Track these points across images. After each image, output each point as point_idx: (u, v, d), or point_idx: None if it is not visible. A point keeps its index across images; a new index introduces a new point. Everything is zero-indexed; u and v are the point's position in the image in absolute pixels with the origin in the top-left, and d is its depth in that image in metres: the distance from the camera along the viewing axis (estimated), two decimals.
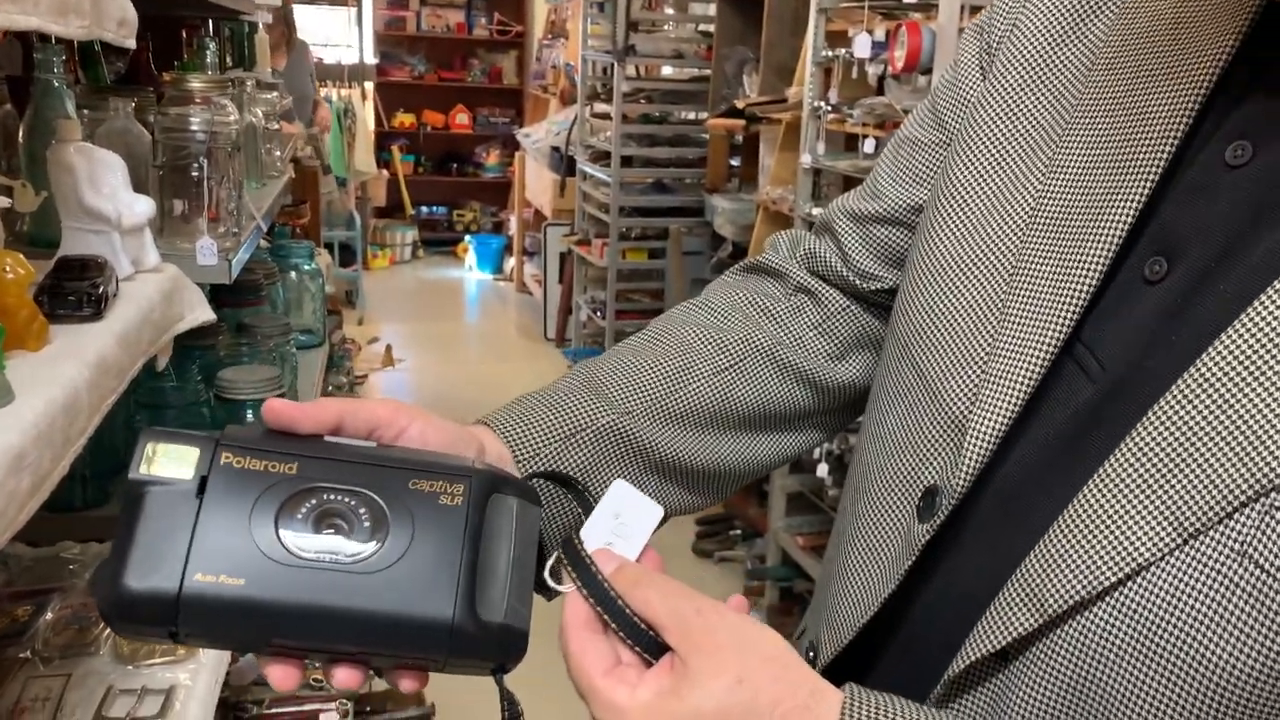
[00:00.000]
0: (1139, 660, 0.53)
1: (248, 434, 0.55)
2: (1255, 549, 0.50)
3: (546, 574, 0.57)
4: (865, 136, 2.61)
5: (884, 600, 0.67)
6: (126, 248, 1.20)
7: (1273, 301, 0.52)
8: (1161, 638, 0.52)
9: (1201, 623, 0.51)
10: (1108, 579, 0.53)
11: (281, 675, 0.54)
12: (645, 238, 5.04)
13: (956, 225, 0.71)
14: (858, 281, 0.83)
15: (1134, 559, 0.53)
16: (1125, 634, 0.53)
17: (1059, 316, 0.62)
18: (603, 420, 0.73)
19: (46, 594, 1.24)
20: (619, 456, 0.73)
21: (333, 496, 0.53)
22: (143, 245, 1.24)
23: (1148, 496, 0.54)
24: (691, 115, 5.03)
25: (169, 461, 0.52)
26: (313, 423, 0.57)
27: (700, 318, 0.82)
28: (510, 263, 7.67)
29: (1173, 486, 0.53)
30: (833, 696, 0.54)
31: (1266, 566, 0.49)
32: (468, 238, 8.07)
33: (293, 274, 2.38)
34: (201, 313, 1.32)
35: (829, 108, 2.75)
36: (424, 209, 8.30)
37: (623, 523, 0.60)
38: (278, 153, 2.29)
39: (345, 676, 0.55)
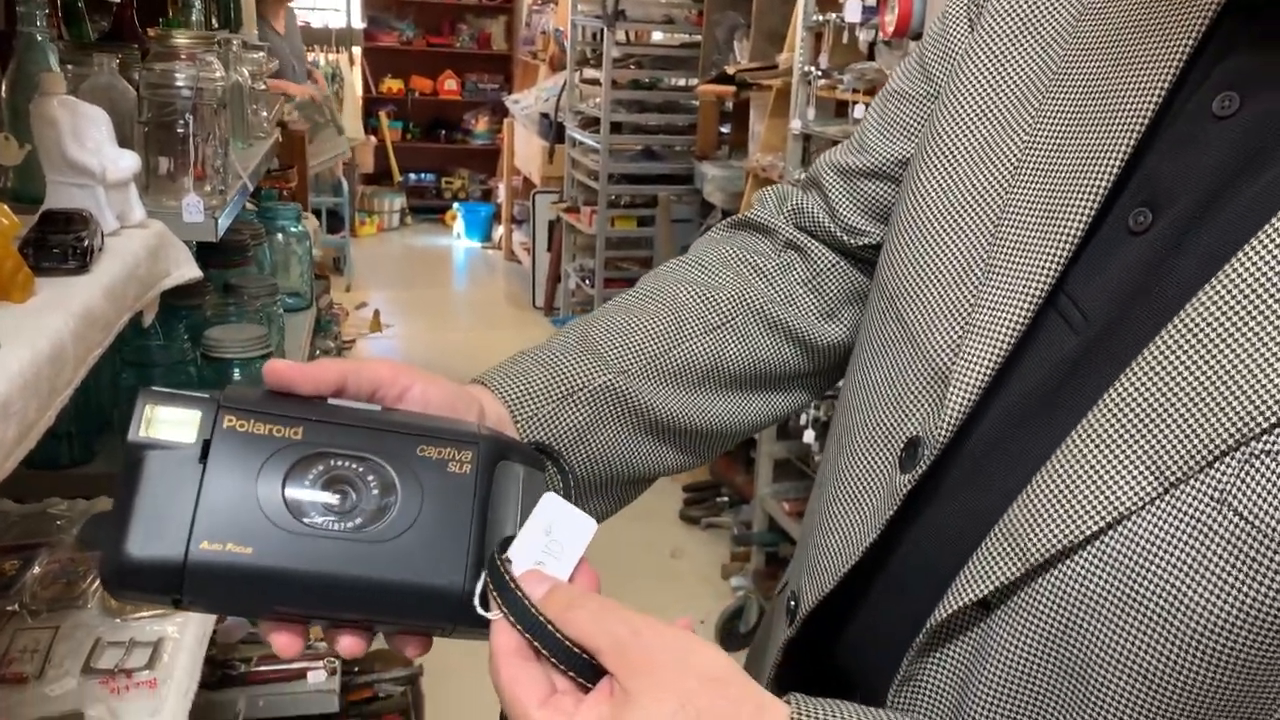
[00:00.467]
0: (1119, 608, 0.53)
1: (248, 395, 0.53)
2: (1235, 497, 0.50)
3: (475, 601, 0.53)
4: (855, 102, 2.60)
5: (865, 550, 0.67)
6: (111, 203, 1.20)
7: (1254, 253, 0.53)
8: (1142, 586, 0.53)
9: (1181, 571, 0.51)
10: (1089, 528, 0.54)
11: (285, 642, 0.54)
12: (634, 205, 5.02)
13: (942, 177, 0.71)
14: (845, 237, 0.83)
15: (1115, 508, 0.53)
16: (1106, 582, 0.54)
17: (1043, 268, 0.62)
18: (599, 380, 0.73)
19: (33, 549, 1.25)
20: (615, 416, 0.74)
21: (340, 463, 0.52)
22: (128, 200, 1.24)
23: (1129, 446, 0.54)
24: (681, 82, 5.01)
25: (169, 424, 0.50)
26: (314, 384, 0.55)
27: (691, 275, 0.82)
28: (499, 230, 7.65)
29: (1154, 436, 0.53)
30: (778, 709, 0.53)
31: (1245, 514, 0.50)
32: (456, 205, 8.04)
33: (279, 236, 2.37)
34: (188, 269, 1.31)
35: (819, 73, 2.74)
36: (412, 176, 8.26)
37: (554, 539, 0.56)
38: (264, 114, 2.28)
39: (350, 643, 0.55)
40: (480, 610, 0.52)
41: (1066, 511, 0.55)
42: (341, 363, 0.58)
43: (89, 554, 1.25)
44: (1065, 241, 0.62)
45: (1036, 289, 0.62)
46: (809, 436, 2.83)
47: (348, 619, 0.53)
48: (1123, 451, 0.54)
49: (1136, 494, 0.53)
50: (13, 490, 1.41)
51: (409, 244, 7.66)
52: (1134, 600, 0.53)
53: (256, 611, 0.53)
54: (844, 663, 0.73)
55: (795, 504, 3.06)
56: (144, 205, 1.26)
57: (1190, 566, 0.51)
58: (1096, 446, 0.55)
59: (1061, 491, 0.56)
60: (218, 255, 1.87)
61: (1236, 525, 0.50)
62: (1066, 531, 0.55)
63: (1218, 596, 0.51)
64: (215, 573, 0.49)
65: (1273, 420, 0.50)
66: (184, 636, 1.13)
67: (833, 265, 0.84)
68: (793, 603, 0.74)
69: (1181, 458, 0.52)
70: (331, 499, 0.51)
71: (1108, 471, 0.54)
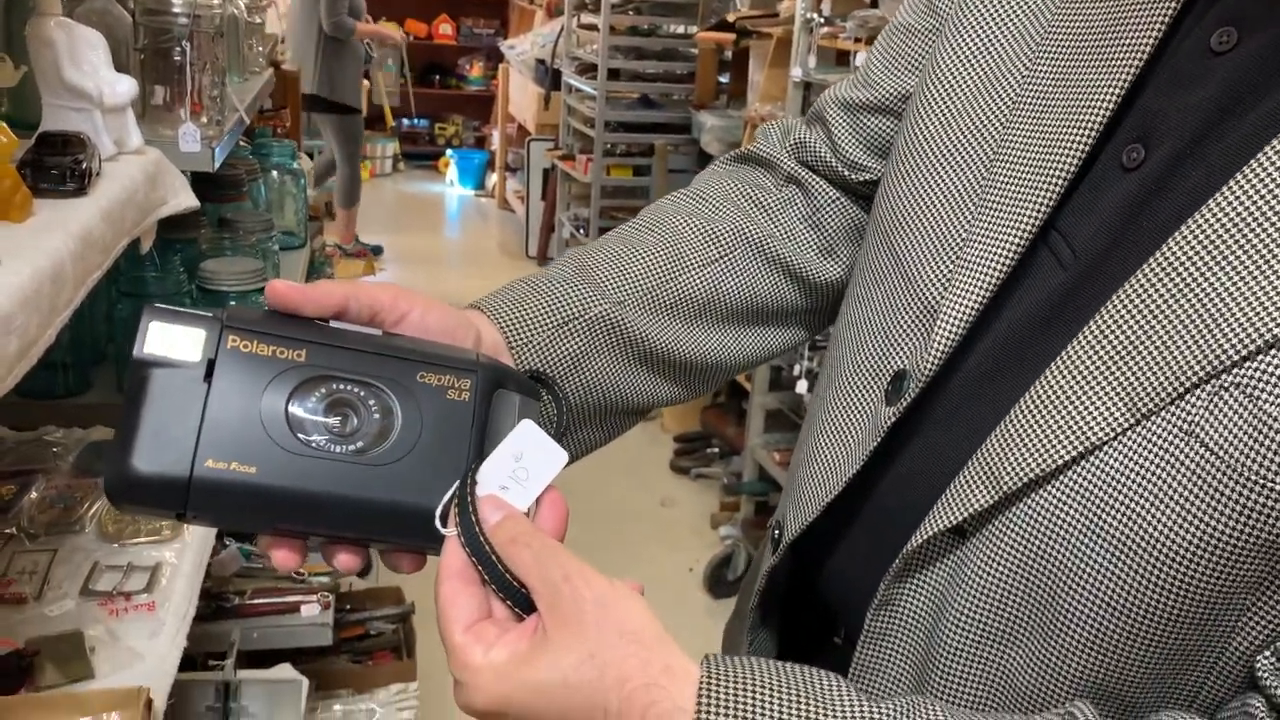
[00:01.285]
0: (1087, 538, 0.55)
1: (251, 315, 0.53)
2: (1202, 429, 0.51)
3: (437, 517, 0.54)
4: (857, 51, 2.58)
5: (848, 480, 0.68)
6: (109, 127, 1.19)
7: (1233, 192, 0.53)
8: (1108, 515, 0.54)
9: (1146, 500, 0.53)
10: (1061, 457, 0.55)
11: (284, 556, 0.55)
12: (630, 154, 4.99)
13: (941, 111, 0.71)
14: (846, 173, 0.83)
15: (1088, 438, 0.55)
16: (1075, 512, 0.55)
17: (1035, 203, 0.62)
18: (595, 310, 0.73)
19: (30, 474, 1.25)
20: (610, 346, 0.73)
21: (342, 386, 0.53)
22: (125, 126, 1.22)
23: (1105, 378, 0.55)
24: (681, 29, 4.95)
25: (174, 342, 0.51)
26: (316, 306, 0.56)
27: (692, 207, 0.81)
28: (492, 178, 7.59)
29: (1129, 368, 0.54)
30: (688, 671, 0.51)
31: (1211, 446, 0.51)
32: (449, 152, 7.97)
33: (274, 174, 2.35)
34: (185, 198, 1.30)
35: (822, 20, 2.72)
36: (405, 121, 8.18)
37: (523, 466, 0.56)
38: (259, 48, 2.25)
39: (347, 560, 0.56)
40: (439, 526, 0.53)
41: (1040, 442, 0.56)
42: (343, 285, 0.58)
43: (87, 480, 1.25)
44: (1058, 177, 0.62)
45: (1028, 224, 0.62)
46: (801, 387, 2.84)
47: (346, 538, 0.54)
48: (1098, 383, 0.55)
49: (1109, 425, 0.54)
50: (9, 419, 1.41)
51: (401, 190, 7.60)
52: (1100, 530, 0.54)
53: (257, 528, 0.54)
54: (826, 591, 0.74)
55: (786, 454, 3.07)
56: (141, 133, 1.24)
57: (1156, 496, 0.53)
58: (1073, 378, 0.56)
59: (1036, 422, 0.57)
60: (213, 189, 1.85)
61: (1202, 457, 0.51)
62: (1039, 461, 0.56)
63: (1179, 525, 0.52)
64: (219, 490, 0.50)
65: (1243, 353, 0.51)
66: (181, 562, 1.13)
67: (833, 201, 0.84)
68: (777, 531, 0.75)
69: (1154, 390, 0.53)
70: (333, 421, 0.52)
71: (1082, 403, 0.55)
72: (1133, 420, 0.54)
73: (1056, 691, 0.59)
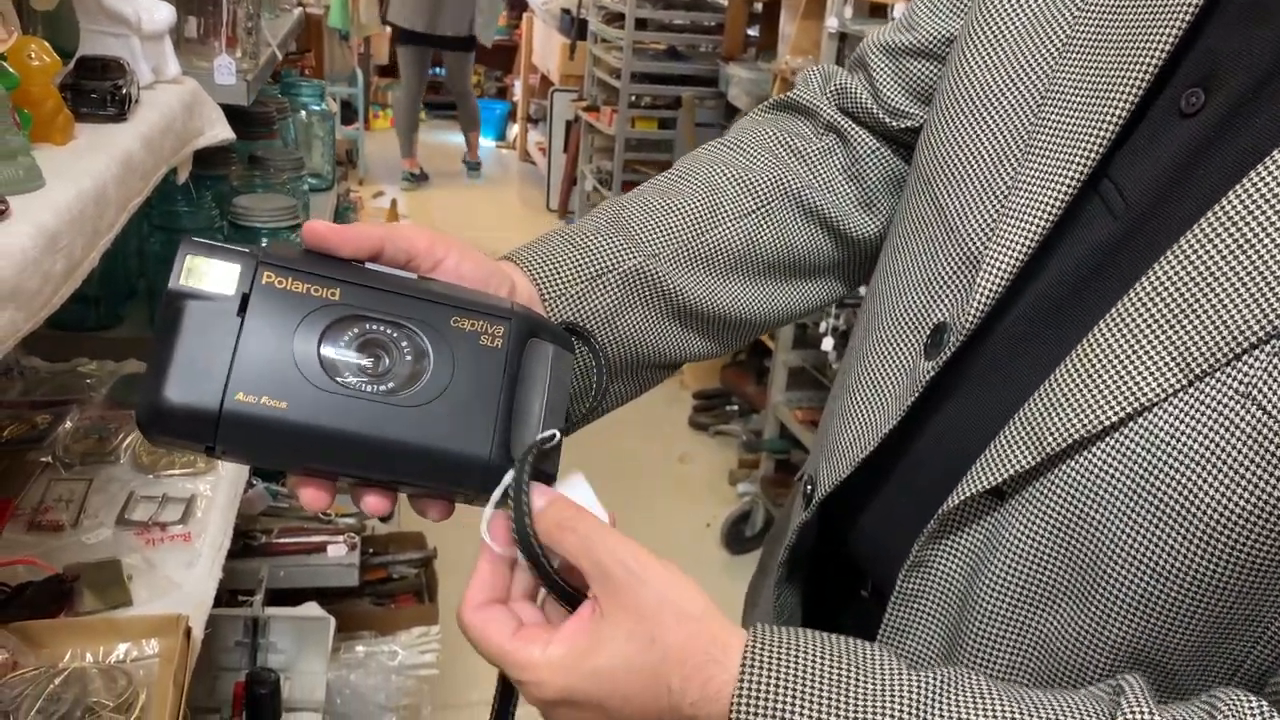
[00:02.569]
0: (1132, 502, 0.53)
1: (287, 253, 0.53)
2: (1260, 391, 0.49)
3: (484, 525, 0.54)
4: (895, 3, 2.53)
5: (884, 436, 0.66)
6: (147, 54, 1.17)
7: None
8: (1157, 479, 0.52)
9: (1198, 464, 0.51)
10: (1109, 418, 0.53)
11: (312, 496, 0.54)
12: (655, 107, 4.94)
13: (987, 53, 0.67)
14: (888, 120, 0.80)
15: (1137, 399, 0.52)
16: (1120, 475, 0.53)
17: (1084, 150, 0.59)
18: (629, 263, 0.71)
19: (64, 404, 1.24)
20: (643, 300, 0.72)
21: (376, 326, 0.52)
22: (163, 54, 1.21)
23: (1157, 337, 0.53)
24: None
25: (209, 275, 0.50)
26: (352, 246, 0.55)
27: (728, 156, 0.79)
28: (514, 129, 7.54)
29: (1183, 327, 0.52)
30: (736, 640, 0.52)
31: (1269, 409, 0.49)
32: None
33: (303, 114, 2.33)
34: (222, 130, 1.29)
35: None
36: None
37: None
38: None
39: (375, 502, 0.55)
40: (485, 534, 0.54)
41: (1087, 402, 0.54)
42: (380, 227, 0.57)
43: (121, 411, 1.25)
44: (1110, 122, 0.58)
45: (1076, 171, 0.59)
46: (827, 344, 2.82)
47: (375, 479, 0.54)
48: (1149, 342, 0.53)
49: (1160, 386, 0.52)
50: (42, 350, 1.40)
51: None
52: (1148, 494, 0.52)
53: (287, 465, 0.53)
54: (857, 549, 0.73)
55: (808, 412, 3.06)
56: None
57: (1209, 461, 0.50)
58: (1123, 336, 0.54)
59: (1084, 381, 0.54)
60: (244, 126, 1.83)
61: (1259, 419, 0.49)
62: (1085, 422, 0.54)
63: (1234, 491, 0.50)
64: (249, 425, 0.49)
65: None
66: (216, 495, 1.13)
67: (873, 151, 0.81)
68: (809, 487, 0.74)
69: (1209, 350, 0.51)
70: (366, 361, 0.52)
71: (1132, 362, 0.53)
72: (1185, 381, 0.51)
73: (1093, 658, 0.57)
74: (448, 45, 6.07)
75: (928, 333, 0.65)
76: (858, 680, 0.51)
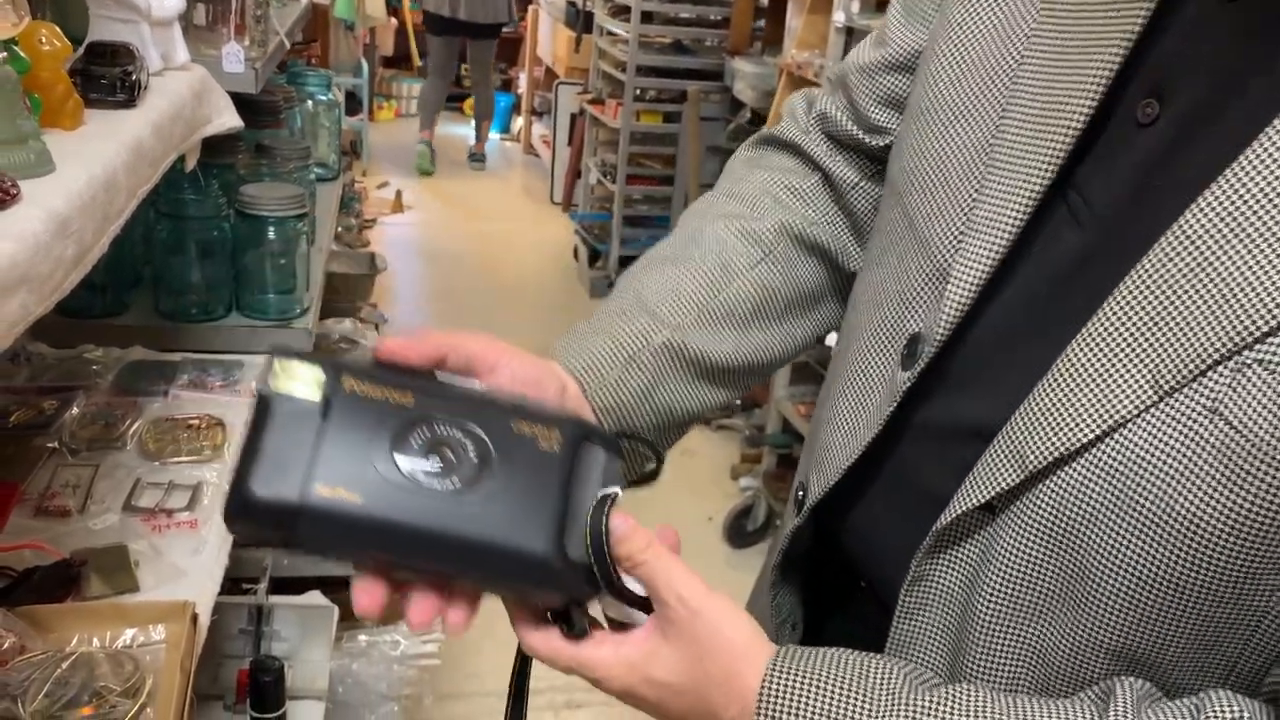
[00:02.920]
0: (1115, 514, 0.54)
1: (364, 363, 0.59)
2: (1225, 406, 0.51)
3: (551, 548, 0.58)
4: None
5: (867, 445, 0.68)
6: (156, 41, 1.17)
7: (1257, 155, 0.51)
8: (1135, 492, 0.53)
9: (1173, 478, 0.52)
10: (1087, 435, 0.55)
11: (368, 600, 0.55)
12: (661, 100, 4.92)
13: (950, 65, 0.68)
14: (868, 139, 0.81)
15: (1113, 415, 0.54)
16: (1102, 489, 0.55)
17: (1043, 162, 0.60)
18: (657, 340, 0.75)
19: (71, 390, 1.25)
20: (674, 371, 0.76)
21: (444, 429, 0.56)
22: (172, 41, 1.21)
23: (1129, 354, 0.54)
24: None
25: (296, 380, 0.55)
26: (421, 356, 0.61)
27: (730, 208, 0.82)
28: (518, 122, 7.53)
29: (1152, 344, 0.53)
30: (761, 655, 0.59)
31: (1234, 423, 0.50)
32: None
33: (309, 104, 2.32)
34: (230, 118, 1.29)
35: None
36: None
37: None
38: None
39: (455, 618, 0.57)
40: (557, 553, 0.58)
41: (1064, 420, 0.56)
42: (442, 336, 0.63)
43: (127, 398, 1.25)
44: (1066, 133, 0.60)
45: (1037, 183, 0.60)
46: (831, 339, 2.81)
47: (439, 570, 0.57)
48: (1123, 359, 0.54)
49: (1133, 402, 0.53)
50: (48, 336, 1.41)
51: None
52: (1128, 506, 0.54)
53: (358, 557, 0.56)
54: (851, 552, 0.75)
55: (811, 407, 3.06)
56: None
57: (1181, 474, 0.52)
58: (1097, 354, 0.55)
59: (1062, 399, 0.56)
60: (251, 115, 1.82)
61: (1226, 434, 0.50)
62: (1064, 440, 0.55)
63: (1206, 503, 0.51)
64: (328, 517, 0.53)
65: (1265, 329, 0.50)
66: (222, 482, 1.13)
67: (854, 185, 0.83)
68: (801, 493, 0.76)
69: (1177, 366, 0.52)
70: (435, 460, 0.56)
71: (1107, 379, 0.54)
72: (1156, 397, 0.53)
73: (1090, 663, 0.59)
74: (476, 32, 6.24)
75: (903, 343, 0.67)
76: (863, 699, 0.57)
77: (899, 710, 0.55)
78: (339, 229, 3.04)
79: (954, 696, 0.56)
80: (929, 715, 0.55)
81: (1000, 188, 0.62)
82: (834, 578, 0.78)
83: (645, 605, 0.59)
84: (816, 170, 0.83)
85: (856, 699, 0.56)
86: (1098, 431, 0.54)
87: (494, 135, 7.59)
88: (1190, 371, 0.52)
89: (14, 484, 1.04)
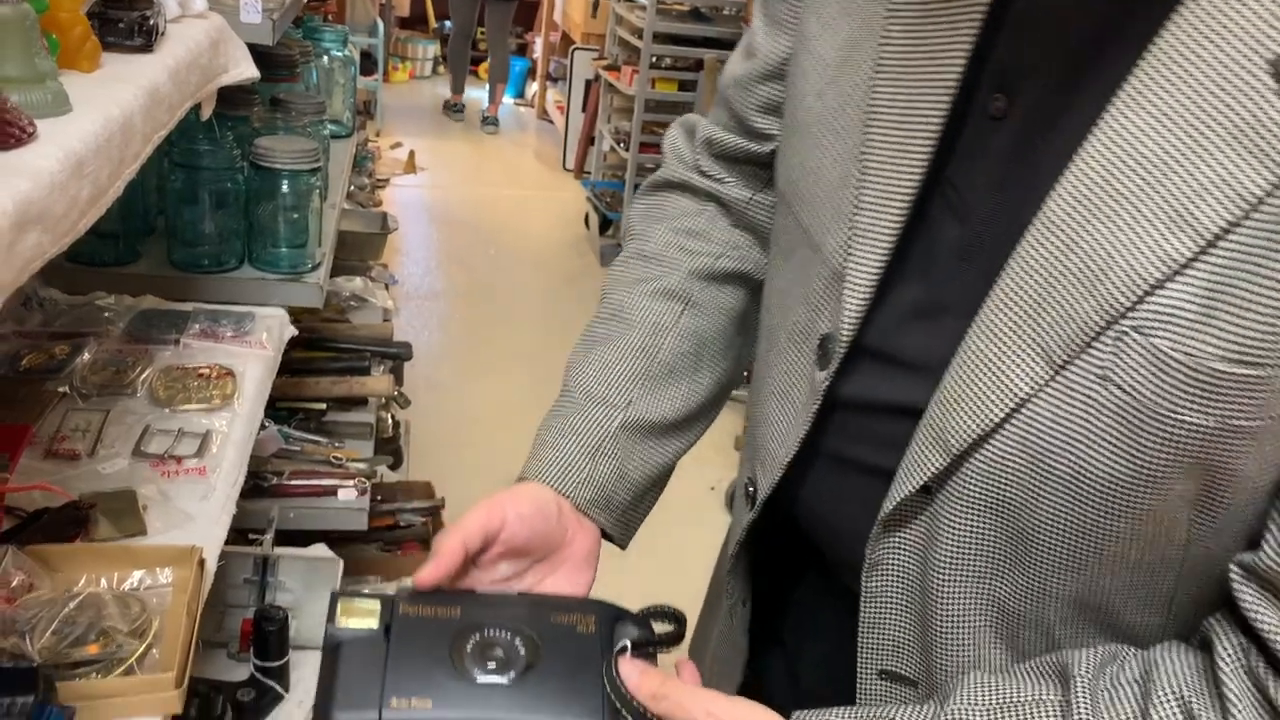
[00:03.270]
0: (1037, 481, 0.59)
1: (413, 591, 0.66)
2: (1113, 373, 0.55)
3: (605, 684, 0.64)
4: None
5: (801, 441, 0.72)
6: None
7: (1097, 142, 0.55)
8: (1050, 459, 0.58)
9: (1079, 442, 0.57)
10: (997, 415, 0.59)
11: None
12: (677, 68, 4.89)
13: (812, 80, 0.71)
14: (757, 147, 0.83)
15: (1016, 394, 0.58)
16: (1021, 460, 0.60)
17: (912, 163, 0.64)
18: (612, 425, 0.80)
19: (83, 337, 1.25)
20: (638, 444, 0.81)
21: (493, 631, 0.64)
22: None
23: (1019, 337, 0.58)
24: None
25: (357, 615, 0.63)
26: (448, 565, 0.66)
27: (642, 272, 0.86)
28: (532, 87, 7.49)
29: (1039, 324, 0.57)
30: None
31: (1124, 387, 0.55)
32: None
33: (325, 60, 2.31)
34: (247, 68, 1.28)
35: None
36: (447, 24, 8.03)
37: None
38: None
39: None
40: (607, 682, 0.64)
41: (975, 403, 0.60)
42: (451, 539, 0.67)
43: (138, 346, 1.25)
44: (926, 134, 0.63)
45: (908, 186, 0.64)
46: None
47: None
48: (1015, 342, 0.59)
49: (1031, 379, 0.58)
50: (60, 283, 1.41)
51: (440, 94, 7.51)
52: (1047, 472, 0.59)
53: None
54: (805, 539, 0.79)
55: None
56: None
57: (1086, 437, 0.57)
58: (992, 340, 0.60)
59: (969, 385, 0.61)
60: (267, 68, 1.81)
61: (1118, 397, 0.55)
62: (977, 422, 0.60)
63: (1113, 461, 0.56)
64: None
65: (1132, 299, 0.54)
66: (231, 431, 1.14)
67: (749, 202, 0.86)
68: (751, 488, 0.80)
69: (1064, 342, 0.56)
70: (489, 660, 0.62)
71: (1004, 362, 0.59)
72: (1051, 373, 0.57)
73: (1047, 610, 0.64)
74: None
75: (816, 344, 0.71)
76: None
77: None
78: (351, 188, 3.04)
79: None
80: None
81: (877, 193, 0.65)
82: (795, 557, 0.82)
83: None
84: (709, 201, 0.87)
85: None
86: (1006, 410, 0.59)
87: (508, 100, 7.56)
88: (1077, 346, 0.56)
89: (25, 426, 1.04)
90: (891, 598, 0.71)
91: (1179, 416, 0.54)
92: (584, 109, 5.89)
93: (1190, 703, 0.56)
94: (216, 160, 1.50)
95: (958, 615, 0.67)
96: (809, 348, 0.72)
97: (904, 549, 0.68)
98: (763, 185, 0.85)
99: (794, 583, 0.86)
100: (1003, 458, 0.60)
